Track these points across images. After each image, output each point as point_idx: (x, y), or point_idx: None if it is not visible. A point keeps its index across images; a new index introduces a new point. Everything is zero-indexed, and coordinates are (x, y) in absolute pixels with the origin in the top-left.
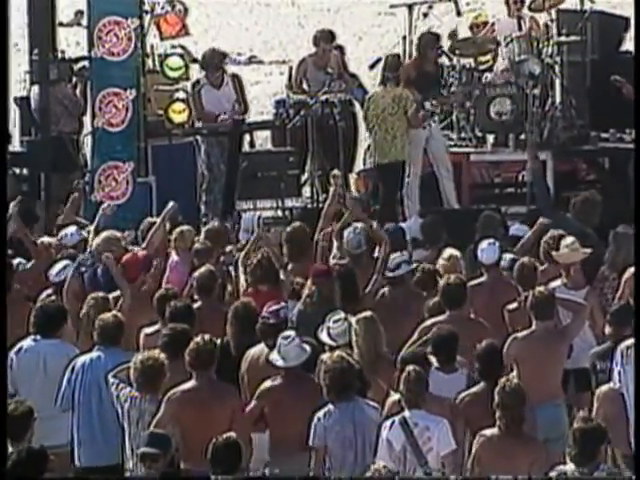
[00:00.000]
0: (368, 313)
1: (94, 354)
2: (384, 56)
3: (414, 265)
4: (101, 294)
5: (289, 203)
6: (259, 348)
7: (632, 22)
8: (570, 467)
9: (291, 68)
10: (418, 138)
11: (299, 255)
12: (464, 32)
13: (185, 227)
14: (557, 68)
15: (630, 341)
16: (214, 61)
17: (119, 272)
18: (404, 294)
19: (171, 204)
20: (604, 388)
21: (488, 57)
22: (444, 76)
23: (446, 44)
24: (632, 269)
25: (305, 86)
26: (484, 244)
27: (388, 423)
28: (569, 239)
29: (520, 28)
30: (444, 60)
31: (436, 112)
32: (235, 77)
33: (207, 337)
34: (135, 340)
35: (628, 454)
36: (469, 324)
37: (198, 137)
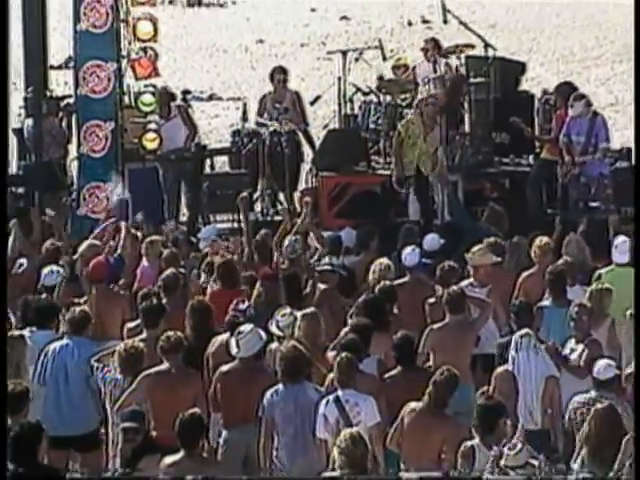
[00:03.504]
0: (312, 309)
1: (64, 342)
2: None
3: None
4: None
5: (249, 216)
6: (224, 337)
7: (527, 69)
8: (476, 440)
9: (245, 104)
10: None
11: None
12: (389, 74)
13: (155, 237)
14: (466, 105)
15: (523, 331)
16: (162, 99)
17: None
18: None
19: (138, 216)
20: (499, 369)
21: (408, 95)
22: (371, 111)
23: (374, 84)
24: (525, 272)
25: (261, 118)
26: (407, 250)
27: (324, 401)
28: (479, 245)
29: (435, 71)
30: (372, 97)
31: None
32: (180, 107)
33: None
34: (101, 329)
35: (516, 424)
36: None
37: (158, 162)
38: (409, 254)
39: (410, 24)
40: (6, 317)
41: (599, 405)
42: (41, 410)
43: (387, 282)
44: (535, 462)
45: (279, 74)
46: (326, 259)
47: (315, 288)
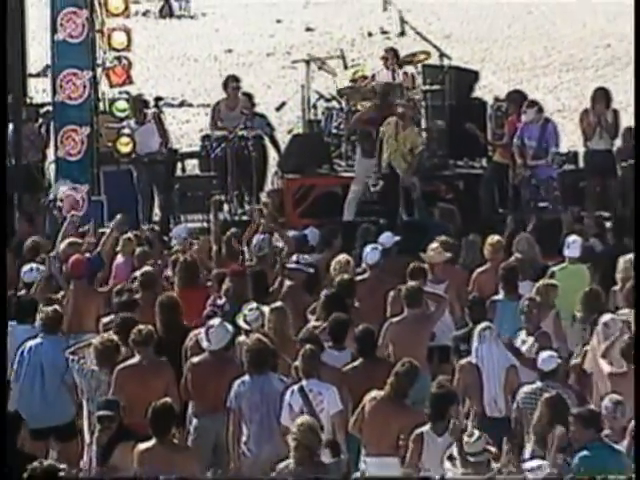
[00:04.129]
0: (279, 304)
1: (37, 340)
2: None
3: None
4: None
5: (219, 217)
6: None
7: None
8: (426, 427)
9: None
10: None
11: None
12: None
13: (129, 235)
14: (423, 111)
15: (485, 324)
16: (135, 106)
17: (58, 271)
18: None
19: (118, 217)
20: (463, 361)
21: (368, 102)
22: (333, 116)
23: (335, 92)
24: (479, 269)
25: (220, 124)
26: (369, 248)
27: (289, 391)
28: (434, 244)
29: (394, 79)
30: (334, 103)
31: None
32: (154, 114)
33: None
34: (78, 323)
35: (480, 412)
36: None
37: (131, 165)
38: (370, 252)
39: (370, 35)
40: (6, 316)
41: (546, 394)
42: (15, 405)
43: (345, 276)
44: (492, 449)
45: (233, 82)
46: (294, 257)
47: (282, 285)
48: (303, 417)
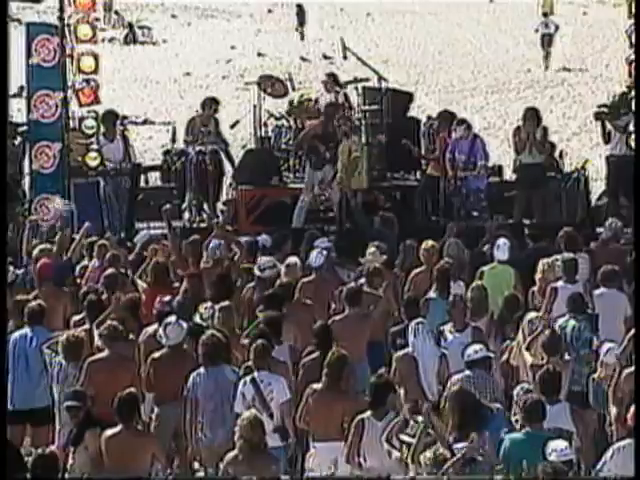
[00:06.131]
0: (226, 303)
1: (24, 331)
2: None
3: (277, 268)
4: None
5: (173, 224)
6: (153, 328)
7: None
8: (367, 414)
9: (174, 128)
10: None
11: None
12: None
13: (101, 241)
14: (362, 128)
15: (418, 319)
16: (109, 121)
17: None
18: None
19: (86, 224)
20: (400, 353)
21: (314, 120)
22: (282, 133)
23: (284, 110)
24: (415, 270)
25: (190, 138)
26: (314, 252)
27: (242, 381)
28: (372, 249)
29: (336, 100)
30: (283, 121)
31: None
32: (124, 136)
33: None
34: (47, 321)
35: (415, 399)
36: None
37: (99, 177)
38: (316, 256)
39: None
40: (6, 317)
41: (454, 387)
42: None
43: (287, 279)
44: (432, 432)
45: (213, 104)
46: (264, 260)
47: (235, 285)
48: (247, 412)
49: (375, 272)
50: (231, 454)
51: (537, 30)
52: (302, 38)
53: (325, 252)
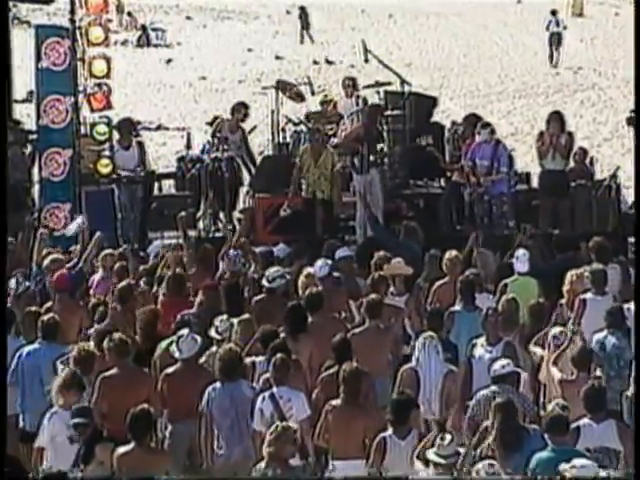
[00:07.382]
0: (246, 316)
1: (36, 345)
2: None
3: (286, 279)
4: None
5: (188, 233)
6: (168, 341)
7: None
8: (389, 432)
9: (189, 133)
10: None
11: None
12: (317, 107)
13: (110, 251)
14: (385, 134)
15: (427, 333)
16: (125, 128)
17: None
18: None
19: (98, 234)
20: (404, 367)
21: (333, 126)
22: (301, 139)
23: (303, 115)
24: (438, 282)
25: (217, 142)
26: (319, 263)
27: (260, 397)
28: (397, 258)
29: (357, 104)
30: (302, 127)
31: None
32: (139, 144)
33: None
34: (61, 335)
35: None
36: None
37: (114, 185)
38: (320, 267)
39: (335, 63)
40: (5, 316)
41: (499, 399)
42: (15, 407)
43: (313, 290)
44: (462, 450)
45: (243, 108)
46: (272, 270)
47: (252, 298)
48: (277, 424)
49: (379, 280)
50: (257, 467)
51: (547, 28)
52: (302, 42)
53: (329, 262)
